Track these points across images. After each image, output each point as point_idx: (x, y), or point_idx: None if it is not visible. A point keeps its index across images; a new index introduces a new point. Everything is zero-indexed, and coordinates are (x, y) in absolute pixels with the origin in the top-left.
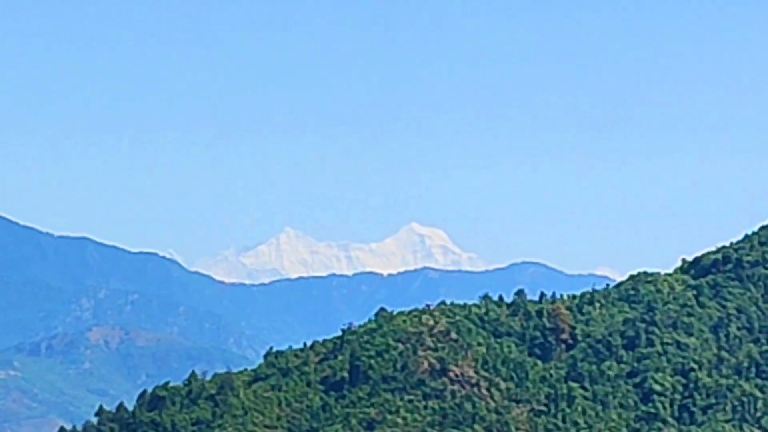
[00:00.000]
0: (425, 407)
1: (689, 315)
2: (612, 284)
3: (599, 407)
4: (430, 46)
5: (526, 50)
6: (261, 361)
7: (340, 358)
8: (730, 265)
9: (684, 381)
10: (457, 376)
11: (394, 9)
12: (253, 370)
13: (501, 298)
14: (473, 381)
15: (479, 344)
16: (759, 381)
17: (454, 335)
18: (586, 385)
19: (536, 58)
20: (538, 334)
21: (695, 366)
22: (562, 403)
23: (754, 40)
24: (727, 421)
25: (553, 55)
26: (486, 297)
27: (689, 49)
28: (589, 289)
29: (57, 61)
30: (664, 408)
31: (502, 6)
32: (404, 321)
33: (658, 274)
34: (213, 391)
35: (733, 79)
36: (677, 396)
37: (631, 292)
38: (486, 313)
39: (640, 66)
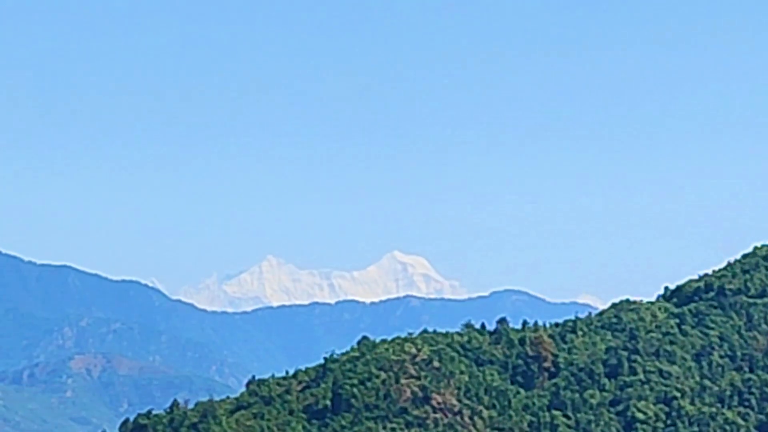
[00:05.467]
0: None
1: (672, 343)
2: (594, 312)
3: None
4: (413, 72)
5: (509, 78)
6: (243, 389)
7: (322, 386)
8: (712, 293)
9: (667, 409)
10: (439, 404)
11: (376, 37)
12: (236, 399)
13: (483, 326)
14: (456, 409)
15: (462, 372)
16: (742, 409)
17: (436, 363)
18: (569, 413)
19: (518, 85)
20: (520, 362)
21: (678, 394)
22: None
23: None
24: None
25: (537, 80)
26: (468, 325)
27: (685, 92)
28: (572, 317)
29: (35, 90)
30: None
31: (488, 37)
32: (387, 349)
33: (641, 302)
34: (195, 420)
35: (719, 108)
36: (660, 424)
37: (614, 320)
38: (468, 342)
39: (617, 89)
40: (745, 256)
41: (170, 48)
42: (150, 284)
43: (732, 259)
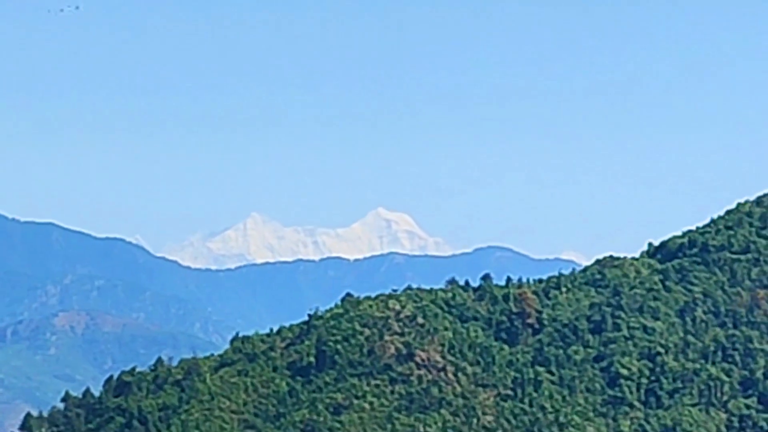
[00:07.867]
0: (392, 392)
1: (655, 299)
2: (578, 268)
3: (566, 392)
4: (397, 35)
5: (491, 37)
6: (227, 346)
7: (306, 343)
8: (696, 249)
9: (650, 365)
10: (423, 360)
11: (363, 6)
12: (220, 356)
13: (467, 282)
14: (440, 366)
15: (446, 329)
16: (725, 365)
17: (420, 320)
18: (553, 369)
19: (501, 45)
20: (504, 318)
21: (662, 350)
22: (529, 388)
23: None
24: (693, 405)
25: (520, 42)
26: (452, 282)
27: (665, 49)
28: (556, 274)
29: (22, 52)
30: (631, 392)
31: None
32: (371, 306)
33: (625, 258)
34: (179, 377)
35: (700, 72)
36: (644, 380)
37: (598, 276)
38: (452, 298)
39: (603, 56)
40: (728, 212)
41: (153, 18)
42: (134, 241)
43: (716, 216)
